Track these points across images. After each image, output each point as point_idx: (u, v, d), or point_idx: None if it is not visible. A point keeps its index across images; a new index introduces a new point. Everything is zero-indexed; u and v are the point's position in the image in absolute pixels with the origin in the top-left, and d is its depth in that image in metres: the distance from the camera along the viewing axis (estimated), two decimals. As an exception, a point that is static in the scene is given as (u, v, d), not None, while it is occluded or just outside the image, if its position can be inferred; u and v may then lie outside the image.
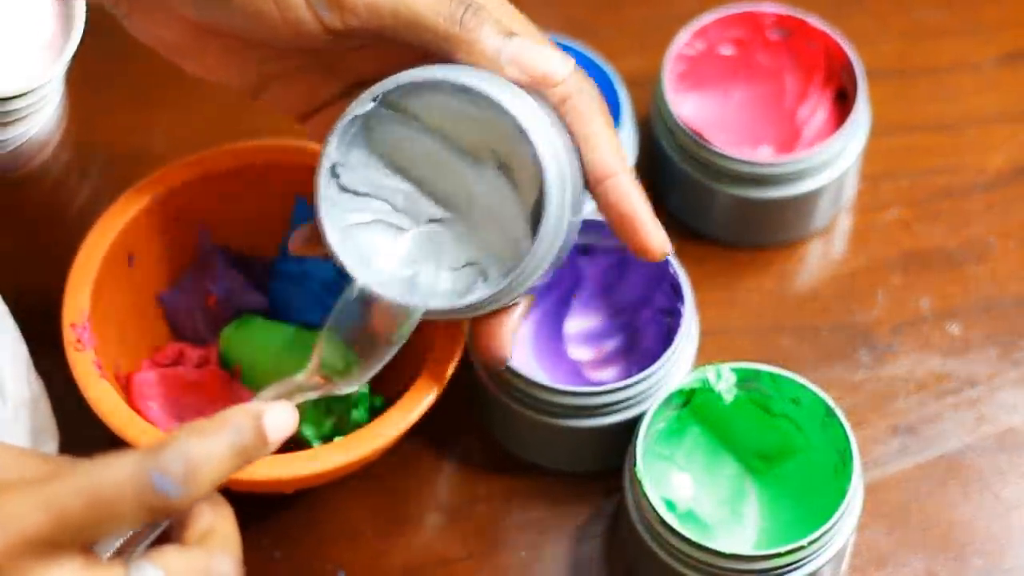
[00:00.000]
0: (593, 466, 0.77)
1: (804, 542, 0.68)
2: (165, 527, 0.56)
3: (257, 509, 0.75)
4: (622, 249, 0.77)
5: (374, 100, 0.62)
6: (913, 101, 0.90)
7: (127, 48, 0.88)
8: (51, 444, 0.76)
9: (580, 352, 0.78)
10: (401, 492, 0.77)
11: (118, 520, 0.51)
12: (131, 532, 0.55)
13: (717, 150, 0.81)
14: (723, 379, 0.73)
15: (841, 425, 0.71)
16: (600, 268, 0.78)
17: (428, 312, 0.63)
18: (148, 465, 0.52)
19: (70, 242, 0.76)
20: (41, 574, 0.50)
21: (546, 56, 0.62)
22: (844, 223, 0.86)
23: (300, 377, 0.62)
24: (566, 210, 0.62)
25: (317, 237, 0.65)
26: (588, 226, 0.77)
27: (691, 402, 0.74)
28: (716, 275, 0.84)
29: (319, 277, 0.77)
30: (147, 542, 0.55)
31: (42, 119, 0.86)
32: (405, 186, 0.65)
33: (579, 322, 0.78)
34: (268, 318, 0.77)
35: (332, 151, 0.63)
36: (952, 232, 0.85)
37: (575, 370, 0.77)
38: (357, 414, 0.74)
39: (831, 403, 0.71)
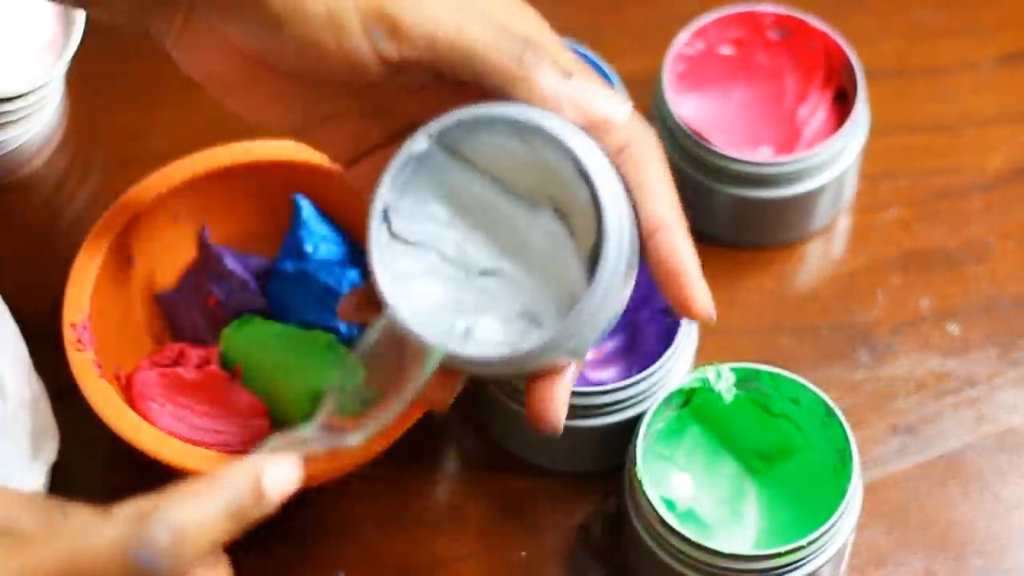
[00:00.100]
0: (593, 466, 0.77)
1: (804, 542, 0.68)
2: None
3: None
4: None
5: (430, 137, 0.60)
6: (912, 101, 0.90)
7: (127, 48, 0.89)
8: (51, 444, 0.76)
9: (580, 352, 0.78)
10: (401, 492, 0.77)
11: None
12: None
13: (717, 150, 0.81)
14: (723, 379, 0.73)
15: (841, 425, 0.71)
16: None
17: (479, 364, 0.60)
18: (133, 538, 0.50)
19: (70, 242, 0.77)
20: None
21: (606, 98, 0.60)
22: (844, 223, 0.86)
23: (307, 430, 0.58)
24: (623, 257, 0.60)
25: (367, 302, 0.63)
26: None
27: (691, 402, 0.74)
28: (716, 275, 0.83)
29: (319, 278, 0.77)
30: None
31: (42, 119, 0.86)
32: (456, 234, 0.62)
33: (579, 322, 0.78)
34: (268, 318, 0.77)
35: (385, 192, 0.61)
36: (952, 232, 0.85)
37: (575, 370, 0.77)
38: (357, 414, 0.74)
39: (831, 403, 0.71)
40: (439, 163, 0.61)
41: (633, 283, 0.62)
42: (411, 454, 0.77)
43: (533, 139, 0.60)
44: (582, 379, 0.76)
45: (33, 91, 0.83)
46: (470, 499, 0.77)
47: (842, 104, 0.84)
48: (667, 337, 0.75)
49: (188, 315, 0.78)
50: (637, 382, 0.73)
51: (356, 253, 0.77)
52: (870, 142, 0.84)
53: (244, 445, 0.74)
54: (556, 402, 0.62)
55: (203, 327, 0.77)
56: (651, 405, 0.72)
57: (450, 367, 0.61)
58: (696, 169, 0.82)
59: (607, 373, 0.77)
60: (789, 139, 0.84)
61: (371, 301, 0.63)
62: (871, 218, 0.86)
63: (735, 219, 0.83)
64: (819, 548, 0.70)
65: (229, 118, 0.68)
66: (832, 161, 0.82)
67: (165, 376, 0.75)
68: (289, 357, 0.75)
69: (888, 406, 0.80)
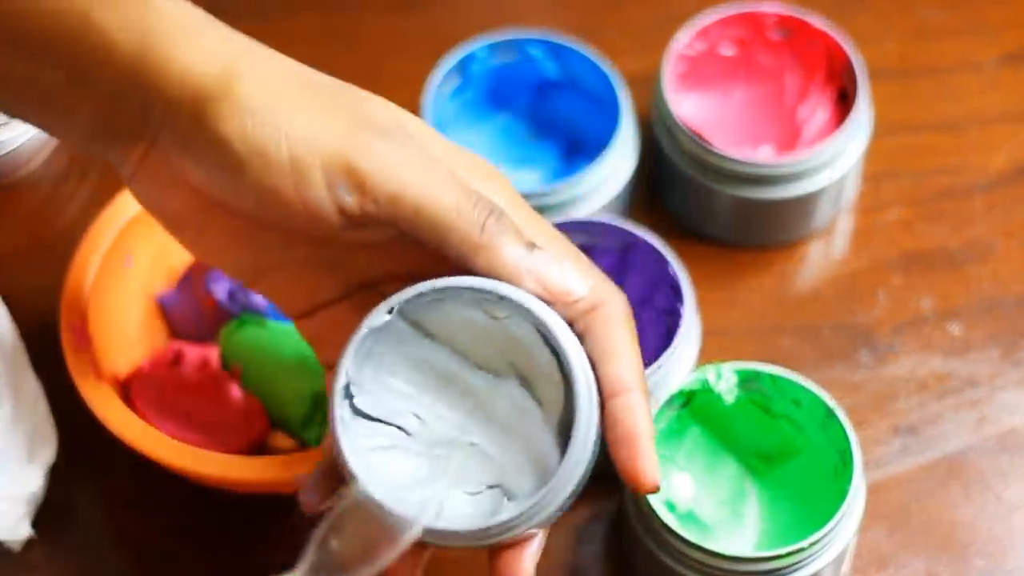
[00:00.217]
0: (593, 466, 0.76)
1: (805, 543, 0.68)
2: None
3: (257, 509, 0.75)
4: (622, 249, 0.77)
5: (389, 312, 0.59)
6: (915, 101, 0.90)
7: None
8: (49, 445, 0.76)
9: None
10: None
11: None
12: None
13: (717, 150, 0.81)
14: (724, 380, 0.72)
15: (842, 426, 0.71)
16: (600, 269, 0.78)
17: (450, 538, 0.59)
18: None
19: (69, 243, 0.77)
20: None
21: (565, 273, 0.60)
22: (845, 223, 0.86)
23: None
24: (594, 423, 0.59)
25: (325, 484, 0.62)
26: (588, 226, 0.77)
27: (691, 403, 0.74)
28: (717, 275, 0.83)
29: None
30: None
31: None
32: (420, 408, 0.61)
33: (579, 322, 0.78)
34: (268, 318, 0.77)
35: (347, 368, 0.59)
36: (954, 232, 0.85)
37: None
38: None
39: (832, 403, 0.71)
40: (400, 336, 0.60)
41: (599, 447, 0.61)
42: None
43: (495, 309, 0.60)
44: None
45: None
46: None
47: (844, 104, 0.84)
48: (667, 338, 0.75)
49: (187, 315, 0.78)
50: (637, 383, 0.73)
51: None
52: (872, 142, 0.84)
53: (243, 446, 0.74)
54: (522, 568, 0.60)
55: (202, 327, 0.77)
56: (652, 406, 0.72)
57: (417, 541, 0.60)
58: (696, 169, 0.82)
59: (607, 374, 0.76)
60: (790, 139, 0.84)
61: (329, 479, 0.61)
62: (873, 218, 0.86)
63: (736, 219, 0.83)
64: (820, 549, 0.69)
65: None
66: (833, 161, 0.82)
67: (164, 377, 0.75)
68: (288, 357, 0.75)
69: (889, 407, 0.79)
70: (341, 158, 0.58)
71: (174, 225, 0.63)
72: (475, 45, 0.84)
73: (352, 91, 0.61)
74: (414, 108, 0.81)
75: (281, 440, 0.76)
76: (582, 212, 0.80)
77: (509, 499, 0.60)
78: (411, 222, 0.59)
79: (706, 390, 0.73)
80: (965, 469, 0.78)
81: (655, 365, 0.73)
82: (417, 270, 0.61)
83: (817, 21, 0.85)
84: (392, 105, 0.61)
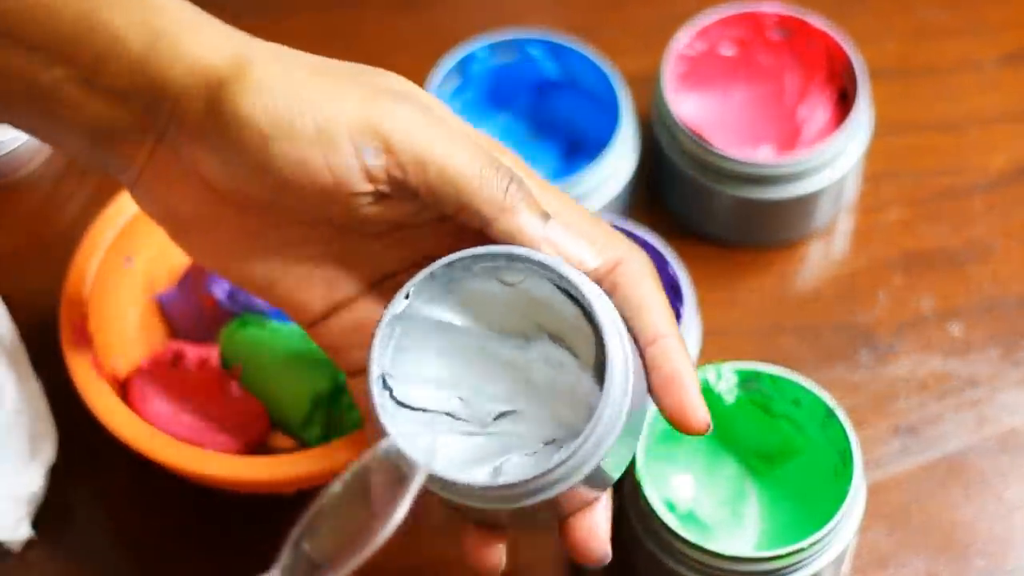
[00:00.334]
0: (593, 467, 0.76)
1: (805, 543, 0.68)
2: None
3: (257, 509, 0.75)
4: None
5: (407, 297, 0.59)
6: (915, 101, 0.90)
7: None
8: (49, 445, 0.76)
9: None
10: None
11: None
12: None
13: (717, 150, 0.81)
14: (724, 380, 0.72)
15: (842, 426, 0.71)
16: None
17: (513, 493, 0.57)
18: None
19: (69, 242, 0.77)
20: None
21: (578, 245, 0.60)
22: (845, 223, 0.86)
23: None
24: (629, 356, 0.58)
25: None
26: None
27: (691, 403, 0.74)
28: (717, 275, 0.83)
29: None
30: None
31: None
32: (460, 390, 0.61)
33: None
34: (268, 319, 0.77)
35: (377, 358, 0.58)
36: (954, 232, 0.85)
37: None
38: (355, 414, 0.74)
39: (832, 404, 0.71)
40: (424, 327, 0.60)
41: (645, 395, 0.61)
42: (411, 455, 0.76)
43: (509, 276, 0.60)
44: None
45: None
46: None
47: (844, 104, 0.84)
48: (667, 337, 0.75)
49: (187, 315, 0.78)
50: (637, 383, 0.73)
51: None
52: (872, 142, 0.84)
53: (243, 446, 0.74)
54: (598, 531, 0.60)
55: (202, 327, 0.77)
56: (652, 406, 0.72)
57: (492, 520, 0.60)
58: (696, 169, 0.82)
59: (607, 374, 0.76)
60: (790, 139, 0.84)
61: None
62: (873, 218, 0.86)
63: (736, 219, 0.83)
64: (820, 549, 0.69)
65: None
66: (833, 161, 0.82)
67: (163, 376, 0.75)
68: (288, 357, 0.75)
69: (889, 407, 0.79)
70: (366, 122, 0.58)
71: (181, 229, 0.62)
72: (475, 45, 0.84)
73: (365, 67, 0.60)
74: (414, 108, 0.81)
75: (281, 440, 0.76)
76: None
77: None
78: (434, 186, 0.58)
79: (706, 390, 0.73)
80: (965, 469, 0.78)
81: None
82: (432, 254, 0.60)
83: (817, 21, 0.85)
84: (406, 80, 0.61)
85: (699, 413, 0.60)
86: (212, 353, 0.76)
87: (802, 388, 0.72)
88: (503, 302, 0.60)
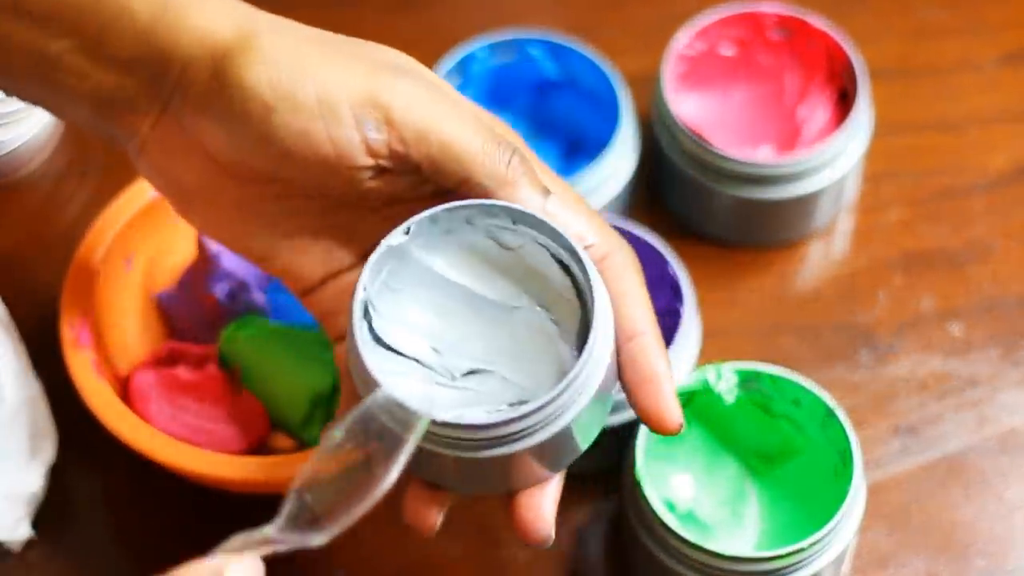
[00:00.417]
0: (593, 466, 0.76)
1: (805, 543, 0.68)
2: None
3: (257, 509, 0.74)
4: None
5: (406, 232, 0.59)
6: (915, 101, 0.90)
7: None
8: (49, 444, 0.76)
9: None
10: (401, 492, 0.77)
11: None
12: None
13: (717, 150, 0.81)
14: (724, 380, 0.72)
15: (842, 426, 0.71)
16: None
17: (464, 440, 0.57)
18: None
19: (69, 242, 0.77)
20: None
21: (577, 220, 0.60)
22: (845, 223, 0.86)
23: (270, 530, 0.56)
24: (610, 327, 0.59)
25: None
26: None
27: (692, 403, 0.74)
28: (717, 275, 0.83)
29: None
30: None
31: (42, 120, 0.86)
32: (437, 339, 0.61)
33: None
34: (268, 319, 0.77)
35: (365, 285, 0.59)
36: (954, 232, 0.85)
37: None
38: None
39: (832, 404, 0.71)
40: (417, 266, 0.61)
41: (615, 382, 0.61)
42: (411, 455, 0.77)
43: (506, 237, 0.60)
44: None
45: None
46: (470, 499, 0.77)
47: (844, 104, 0.84)
48: (667, 338, 0.75)
49: (187, 315, 0.78)
50: (637, 382, 0.73)
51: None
52: (872, 142, 0.84)
53: (242, 446, 0.74)
54: (544, 511, 0.60)
55: (202, 327, 0.77)
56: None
57: (436, 479, 0.60)
58: (696, 169, 0.82)
59: (607, 373, 0.76)
60: (790, 139, 0.84)
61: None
62: (873, 218, 0.86)
63: (736, 219, 0.83)
64: (820, 550, 0.69)
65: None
66: (833, 161, 0.82)
67: (163, 376, 0.75)
68: (288, 357, 0.75)
69: (889, 407, 0.79)
70: (368, 95, 0.58)
71: (183, 199, 0.62)
72: (475, 45, 0.84)
73: (368, 43, 0.61)
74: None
75: (281, 440, 0.76)
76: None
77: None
78: (437, 160, 0.59)
79: (706, 390, 0.73)
80: (965, 469, 0.78)
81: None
82: None
83: (817, 21, 0.85)
84: (409, 56, 0.61)
85: (673, 415, 0.60)
86: (212, 353, 0.76)
87: (802, 388, 0.72)
88: (497, 263, 0.61)
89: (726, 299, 0.83)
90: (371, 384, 0.57)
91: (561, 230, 0.59)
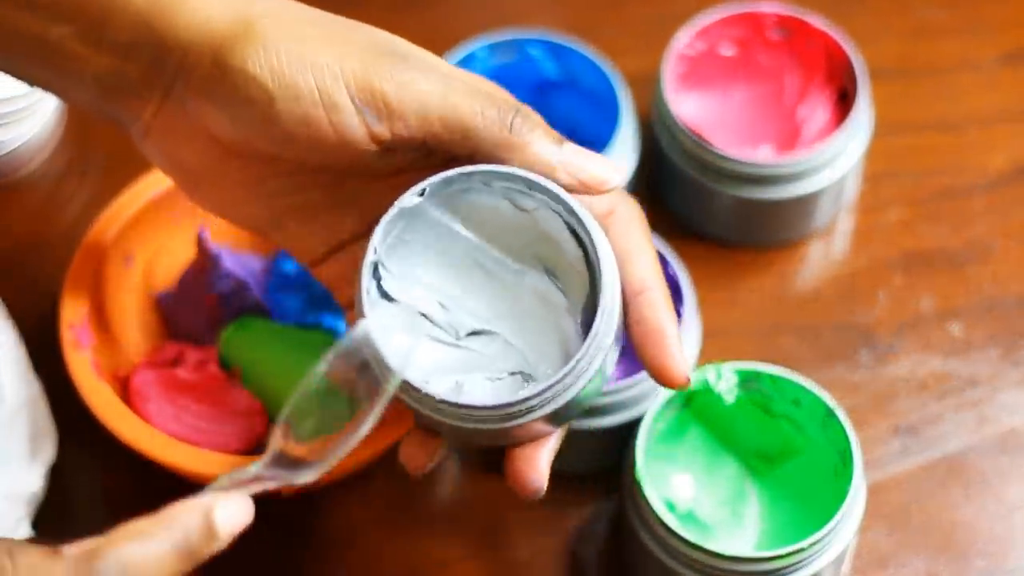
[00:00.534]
0: (593, 466, 0.76)
1: (805, 543, 0.68)
2: None
3: (257, 510, 0.74)
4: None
5: (421, 194, 0.60)
6: (915, 101, 0.90)
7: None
8: (49, 445, 0.75)
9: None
10: (401, 492, 0.77)
11: None
12: None
13: (717, 150, 0.81)
14: (724, 380, 0.72)
15: (842, 426, 0.71)
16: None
17: (468, 415, 0.58)
18: None
19: (69, 242, 0.77)
20: None
21: (597, 164, 0.60)
22: (845, 223, 0.85)
23: (257, 467, 0.57)
24: (617, 305, 0.59)
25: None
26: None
27: (692, 403, 0.74)
28: (717, 275, 0.83)
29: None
30: None
31: (41, 120, 0.86)
32: (445, 296, 0.62)
33: (579, 322, 0.78)
34: (268, 319, 0.77)
35: (376, 246, 0.60)
36: (954, 232, 0.85)
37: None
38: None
39: (832, 404, 0.71)
40: (429, 225, 0.61)
41: (618, 353, 0.61)
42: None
43: (523, 201, 0.60)
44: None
45: (32, 92, 0.83)
46: (470, 499, 0.77)
47: (844, 104, 0.84)
48: (667, 337, 0.75)
49: (187, 315, 0.78)
50: (637, 382, 0.73)
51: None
52: (872, 142, 0.84)
53: (243, 446, 0.74)
54: (539, 464, 0.61)
55: (202, 327, 0.77)
56: (652, 406, 0.72)
57: (434, 427, 0.60)
58: (696, 169, 0.82)
59: (607, 374, 0.76)
60: (790, 139, 0.84)
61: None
62: (873, 218, 0.86)
63: (736, 219, 0.83)
64: (820, 549, 0.69)
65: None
66: (833, 161, 0.82)
67: (163, 377, 0.75)
68: (288, 357, 0.75)
69: (889, 407, 0.79)
70: (365, 83, 0.59)
71: (189, 180, 0.63)
72: (475, 45, 0.84)
73: (363, 25, 0.61)
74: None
75: (281, 440, 0.76)
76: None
77: (530, 384, 0.61)
78: (441, 136, 0.59)
79: (706, 390, 0.73)
80: (965, 469, 0.78)
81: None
82: None
83: (817, 21, 0.85)
84: (401, 38, 0.61)
85: (680, 368, 0.61)
86: (212, 353, 0.76)
87: (802, 388, 0.72)
88: (511, 225, 0.61)
89: (726, 299, 0.83)
90: (362, 322, 0.58)
91: (569, 200, 0.59)
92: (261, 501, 0.74)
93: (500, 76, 0.86)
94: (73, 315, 0.73)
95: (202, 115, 0.60)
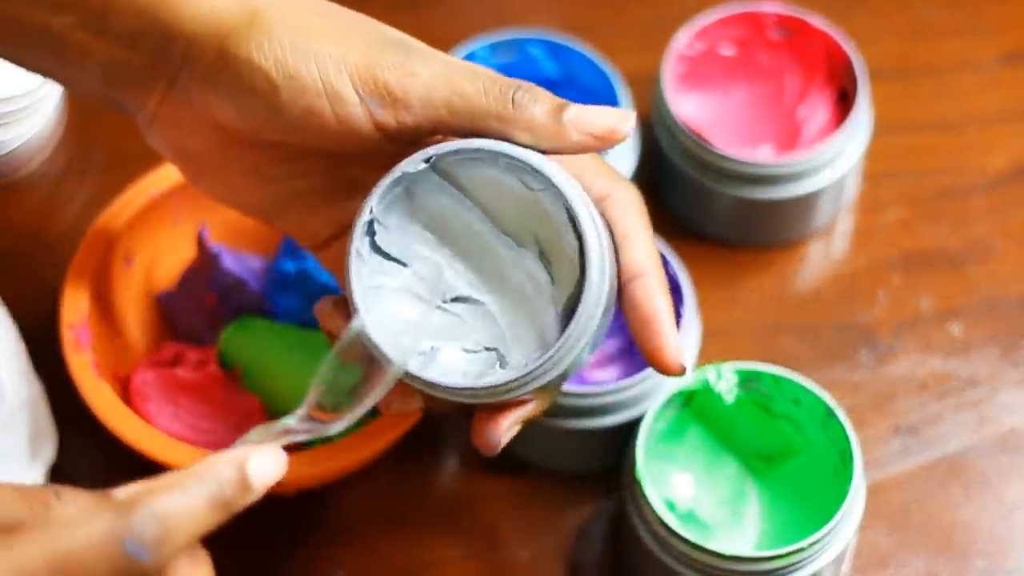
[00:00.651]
0: (593, 466, 0.76)
1: (805, 543, 0.68)
2: None
3: (257, 509, 0.74)
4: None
5: (426, 161, 0.60)
6: (914, 101, 0.90)
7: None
8: (50, 445, 0.75)
9: (580, 352, 0.77)
10: (401, 492, 0.77)
11: None
12: None
13: (717, 150, 0.81)
14: (724, 380, 0.72)
15: (842, 426, 0.71)
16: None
17: (435, 389, 0.60)
18: (119, 529, 0.49)
19: (69, 242, 0.77)
20: None
21: (605, 113, 0.60)
22: (845, 223, 0.86)
23: (290, 420, 0.58)
24: (600, 308, 0.60)
25: (339, 310, 0.63)
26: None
27: (692, 403, 0.74)
28: (717, 275, 0.83)
29: (319, 278, 0.77)
30: None
31: (41, 120, 0.86)
32: (437, 258, 0.62)
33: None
34: (268, 319, 0.77)
35: (373, 205, 0.60)
36: (953, 232, 0.85)
37: (575, 371, 0.77)
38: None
39: (832, 403, 0.71)
40: (432, 187, 0.61)
41: (606, 330, 0.61)
42: (411, 454, 0.77)
43: (530, 180, 0.60)
44: (582, 379, 0.76)
45: (32, 91, 0.83)
46: (470, 499, 0.77)
47: (844, 104, 0.84)
48: (667, 337, 0.75)
49: (187, 315, 0.78)
50: (637, 382, 0.73)
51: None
52: (872, 142, 0.84)
53: (243, 446, 0.74)
54: (500, 426, 0.61)
55: (202, 327, 0.77)
56: (652, 405, 0.72)
57: (408, 384, 0.61)
58: (696, 169, 0.82)
59: (607, 373, 0.76)
60: (790, 139, 0.84)
61: (342, 309, 0.62)
62: (872, 218, 0.86)
63: (736, 219, 0.83)
64: (820, 549, 0.69)
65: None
66: (833, 161, 0.82)
67: (164, 377, 0.75)
68: (289, 357, 0.75)
69: (889, 407, 0.79)
70: (369, 72, 0.59)
71: (195, 169, 0.63)
72: (475, 45, 0.84)
73: (368, 18, 0.62)
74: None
75: (281, 440, 0.76)
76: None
77: (502, 365, 0.61)
78: (446, 120, 0.59)
79: (706, 390, 0.73)
80: (965, 469, 0.78)
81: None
82: None
83: (817, 21, 0.85)
84: (399, 31, 0.62)
85: (673, 353, 0.61)
86: (212, 353, 0.76)
87: (802, 388, 0.72)
88: (514, 200, 0.61)
89: (726, 299, 0.83)
90: (355, 309, 0.59)
91: (567, 189, 0.59)
92: (261, 500, 0.74)
93: (500, 76, 0.86)
94: (73, 315, 0.73)
95: (207, 104, 0.60)
